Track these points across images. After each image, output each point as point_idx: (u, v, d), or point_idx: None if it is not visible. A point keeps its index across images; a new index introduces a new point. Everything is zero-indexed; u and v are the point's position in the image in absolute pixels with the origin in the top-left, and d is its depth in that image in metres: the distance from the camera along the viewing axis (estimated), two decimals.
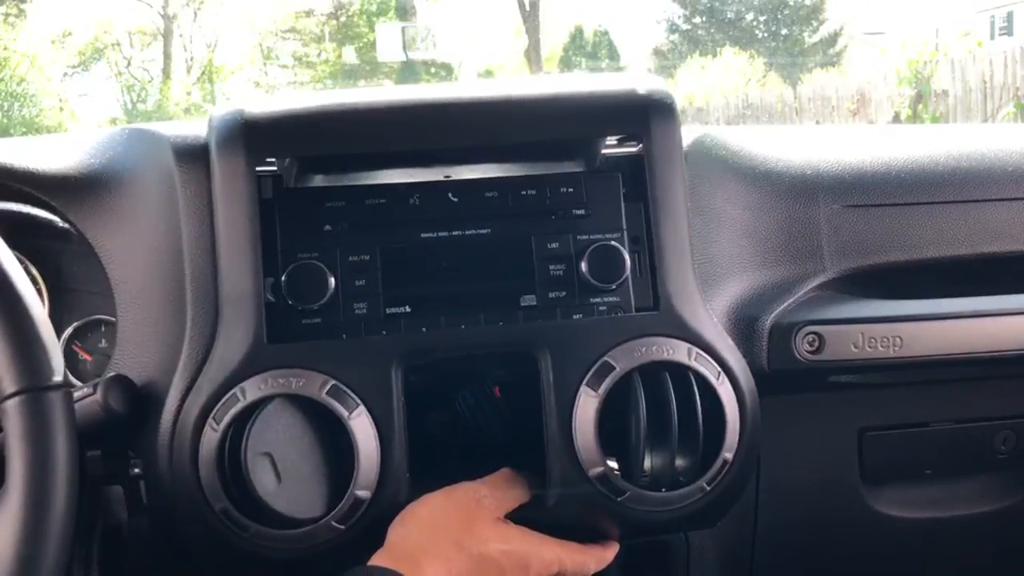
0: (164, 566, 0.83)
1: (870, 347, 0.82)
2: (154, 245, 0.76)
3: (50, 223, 0.90)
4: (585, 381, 0.71)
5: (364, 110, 0.74)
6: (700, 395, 0.71)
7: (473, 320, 0.73)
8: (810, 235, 0.85)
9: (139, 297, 0.76)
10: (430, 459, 0.75)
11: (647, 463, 0.70)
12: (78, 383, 0.83)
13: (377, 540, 0.68)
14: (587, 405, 0.71)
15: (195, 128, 0.78)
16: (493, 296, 0.74)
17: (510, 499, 0.71)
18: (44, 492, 0.55)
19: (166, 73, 23.08)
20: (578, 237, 0.75)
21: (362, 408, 0.69)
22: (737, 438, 0.73)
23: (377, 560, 0.65)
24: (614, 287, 0.74)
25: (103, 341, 0.91)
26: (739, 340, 0.81)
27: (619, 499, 0.71)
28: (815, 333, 0.81)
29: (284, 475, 0.66)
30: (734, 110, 12.91)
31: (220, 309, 0.71)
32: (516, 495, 0.72)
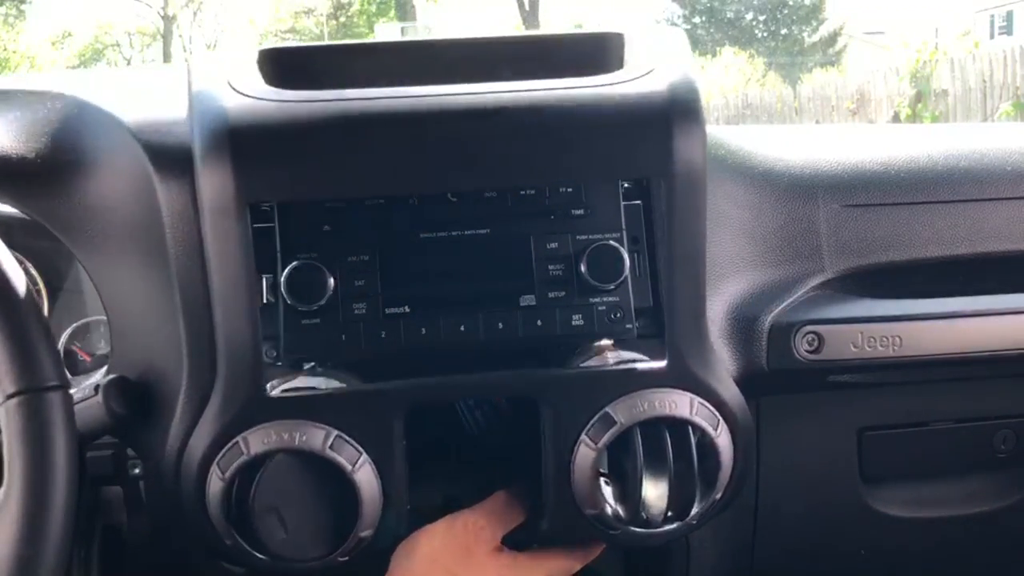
0: (164, 567, 0.83)
1: (869, 347, 0.82)
2: (143, 271, 0.73)
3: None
4: (586, 431, 0.71)
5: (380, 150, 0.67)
6: (697, 444, 0.71)
7: (472, 320, 0.73)
8: (809, 235, 0.85)
9: (128, 308, 0.74)
10: (431, 464, 0.75)
11: (642, 508, 0.71)
12: (78, 384, 0.83)
13: (376, 559, 0.70)
14: (586, 455, 0.71)
15: (166, 111, 0.71)
16: (492, 296, 0.74)
17: (506, 524, 0.74)
18: (43, 493, 0.55)
19: None
20: (577, 237, 0.75)
21: (365, 458, 0.69)
22: (728, 480, 0.74)
23: None
24: (613, 287, 0.74)
25: (103, 342, 0.91)
26: (738, 340, 0.80)
27: (611, 532, 0.73)
28: (814, 333, 0.81)
29: (290, 526, 0.67)
30: (734, 110, 12.91)
31: (217, 357, 0.70)
32: (512, 519, 0.74)
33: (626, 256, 0.74)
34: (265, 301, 0.72)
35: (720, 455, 0.72)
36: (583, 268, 0.73)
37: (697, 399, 0.72)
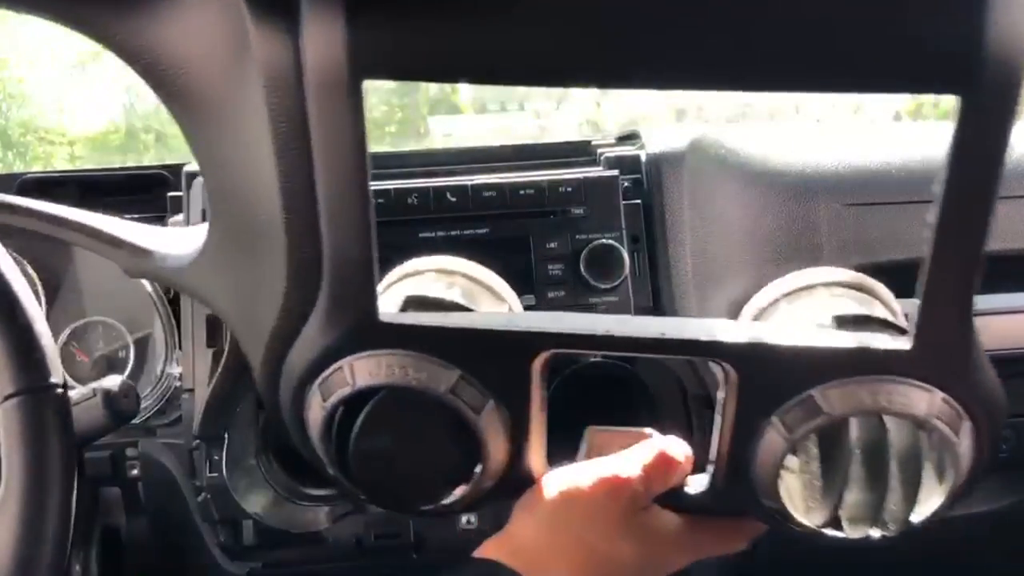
0: (163, 567, 0.83)
1: None
2: (240, 136, 0.59)
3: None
4: (778, 414, 0.56)
5: None
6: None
7: None
8: (810, 234, 0.85)
9: (226, 168, 0.61)
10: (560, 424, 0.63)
11: (840, 511, 0.61)
12: (76, 384, 0.83)
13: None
14: (774, 443, 0.56)
15: None
16: None
17: (661, 486, 0.58)
18: (41, 493, 0.55)
19: None
20: (577, 237, 0.75)
21: (492, 403, 0.56)
22: (948, 494, 0.59)
23: (493, 549, 0.55)
24: (613, 287, 0.74)
25: (101, 343, 0.91)
26: None
27: (791, 526, 0.61)
28: None
29: (398, 472, 0.58)
30: (733, 108, 12.90)
31: (323, 269, 0.57)
32: (668, 482, 0.58)
33: (626, 256, 0.74)
34: None
35: (956, 463, 0.57)
36: (583, 268, 0.73)
37: (940, 394, 0.56)
